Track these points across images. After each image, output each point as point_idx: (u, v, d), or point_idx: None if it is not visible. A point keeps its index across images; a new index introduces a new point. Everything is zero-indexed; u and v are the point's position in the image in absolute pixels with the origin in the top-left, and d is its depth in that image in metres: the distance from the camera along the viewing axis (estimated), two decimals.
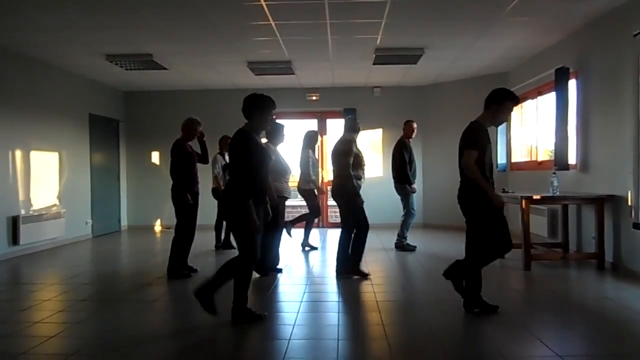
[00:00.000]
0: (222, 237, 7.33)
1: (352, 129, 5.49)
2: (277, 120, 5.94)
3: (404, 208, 6.99)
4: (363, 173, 5.45)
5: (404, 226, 6.98)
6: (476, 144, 3.74)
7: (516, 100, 3.89)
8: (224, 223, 7.07)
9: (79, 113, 8.64)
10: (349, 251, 5.28)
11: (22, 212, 7.06)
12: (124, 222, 10.14)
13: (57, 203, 7.92)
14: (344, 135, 5.51)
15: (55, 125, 7.91)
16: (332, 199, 9.81)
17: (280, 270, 5.58)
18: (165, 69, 7.98)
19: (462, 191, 3.88)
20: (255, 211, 3.59)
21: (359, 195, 5.27)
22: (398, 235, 7.04)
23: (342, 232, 5.36)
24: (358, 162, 5.35)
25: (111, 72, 8.17)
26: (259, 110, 3.70)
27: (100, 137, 9.28)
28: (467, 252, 3.98)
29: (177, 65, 7.93)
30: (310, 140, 7.01)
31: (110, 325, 3.85)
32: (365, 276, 5.23)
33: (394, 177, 7.04)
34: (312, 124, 10.00)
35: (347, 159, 5.26)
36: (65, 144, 8.18)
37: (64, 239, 7.97)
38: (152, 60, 7.37)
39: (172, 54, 7.24)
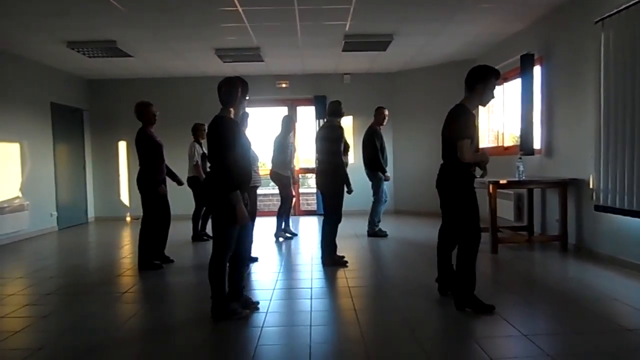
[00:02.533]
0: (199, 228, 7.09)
1: (336, 114, 5.37)
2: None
3: (373, 195, 7.03)
4: (347, 158, 5.41)
5: (374, 213, 7.04)
6: (468, 132, 3.56)
7: (499, 74, 3.76)
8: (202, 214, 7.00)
9: (40, 102, 8.35)
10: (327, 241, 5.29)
11: None
12: (91, 214, 9.92)
13: (20, 195, 7.68)
14: (328, 120, 5.41)
15: (15, 115, 7.64)
16: (312, 186, 9.73)
17: (255, 259, 5.55)
18: (130, 56, 7.77)
19: (443, 177, 3.75)
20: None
21: (349, 185, 5.30)
22: (369, 222, 7.09)
23: (326, 222, 5.31)
24: (344, 148, 5.32)
25: (73, 59, 7.91)
26: (237, 95, 3.58)
27: (63, 127, 9.01)
28: (458, 246, 3.74)
29: (142, 53, 7.73)
30: (289, 124, 6.84)
31: (78, 318, 3.79)
32: (345, 264, 5.28)
33: (365, 165, 7.06)
34: (282, 112, 9.95)
35: (339, 146, 5.18)
36: (26, 135, 7.91)
37: (27, 232, 7.74)
38: (115, 47, 7.16)
39: (137, 41, 7.05)
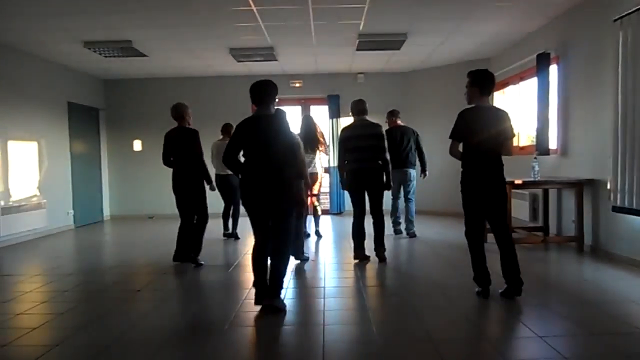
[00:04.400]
0: (230, 226, 7.16)
1: (366, 112, 5.42)
2: None
3: (412, 194, 6.94)
4: None
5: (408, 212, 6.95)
6: (452, 133, 3.91)
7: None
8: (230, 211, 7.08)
9: (57, 102, 8.47)
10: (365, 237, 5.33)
11: (2, 203, 6.94)
12: (107, 212, 10.04)
13: (38, 193, 7.80)
14: (361, 119, 5.35)
15: (33, 115, 7.75)
16: (325, 186, 9.61)
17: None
18: (145, 56, 7.85)
19: (498, 174, 3.88)
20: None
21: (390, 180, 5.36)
22: (411, 221, 6.93)
23: (380, 219, 5.29)
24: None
25: (90, 59, 8.01)
26: (274, 96, 3.81)
27: (80, 126, 9.12)
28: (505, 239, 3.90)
29: (157, 52, 7.80)
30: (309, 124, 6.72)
31: (94, 315, 3.83)
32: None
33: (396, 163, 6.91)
34: (295, 111, 9.97)
35: (385, 143, 5.22)
36: (44, 133, 8.02)
37: (45, 230, 7.86)
38: (131, 47, 7.24)
39: (152, 41, 7.12)
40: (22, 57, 7.49)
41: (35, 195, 7.73)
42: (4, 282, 5.16)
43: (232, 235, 7.09)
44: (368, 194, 5.30)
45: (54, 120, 8.36)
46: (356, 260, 5.32)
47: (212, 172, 6.08)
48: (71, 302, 4.20)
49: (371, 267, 5.24)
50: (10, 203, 7.12)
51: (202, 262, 5.35)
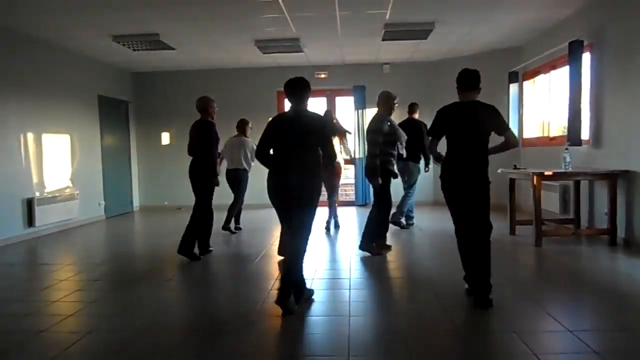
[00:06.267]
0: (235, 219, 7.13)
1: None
2: None
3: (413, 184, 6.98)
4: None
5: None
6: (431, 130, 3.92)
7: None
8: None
9: (88, 95, 8.66)
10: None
11: (37, 194, 7.15)
12: (136, 203, 10.25)
13: (70, 185, 8.01)
14: (382, 116, 5.32)
15: (65, 108, 7.95)
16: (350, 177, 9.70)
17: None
18: (172, 49, 7.94)
19: (478, 171, 3.66)
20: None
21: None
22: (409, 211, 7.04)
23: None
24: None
25: (119, 53, 8.15)
26: (309, 93, 3.89)
27: (110, 119, 9.32)
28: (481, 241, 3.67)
29: (184, 45, 7.88)
30: (329, 119, 6.76)
31: (125, 303, 3.94)
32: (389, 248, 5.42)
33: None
34: (321, 102, 9.95)
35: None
36: (75, 126, 8.22)
37: (78, 220, 8.08)
38: (159, 40, 7.33)
39: (179, 34, 7.20)
40: (55, 51, 7.67)
41: (68, 187, 7.94)
42: (40, 271, 5.35)
43: (228, 229, 6.90)
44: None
45: (85, 113, 8.55)
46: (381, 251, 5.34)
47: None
48: (103, 291, 4.32)
49: (396, 259, 5.22)
50: (45, 194, 7.34)
51: (200, 256, 5.36)
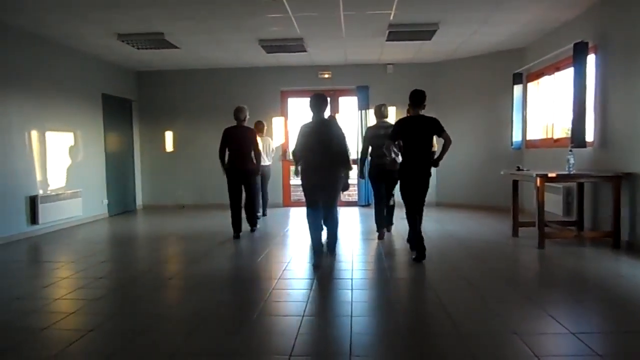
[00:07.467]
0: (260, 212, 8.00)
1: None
2: None
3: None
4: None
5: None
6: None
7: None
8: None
9: (92, 93, 8.68)
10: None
11: (40, 192, 7.18)
12: (139, 202, 10.27)
13: (74, 183, 8.03)
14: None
15: (69, 106, 7.97)
16: (353, 177, 9.83)
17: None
18: (176, 47, 7.95)
19: (423, 166, 5.03)
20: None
21: None
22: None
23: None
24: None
25: (123, 51, 8.17)
26: (327, 105, 5.07)
27: (113, 117, 9.34)
28: (419, 218, 5.09)
29: (188, 44, 7.90)
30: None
31: (127, 301, 3.95)
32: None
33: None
34: None
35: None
36: (79, 124, 8.25)
37: (81, 218, 8.11)
38: (163, 39, 7.34)
39: (183, 33, 7.21)
40: (59, 50, 7.70)
41: (71, 185, 7.96)
42: (44, 268, 5.36)
43: (257, 219, 7.24)
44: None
45: (89, 111, 8.57)
46: (380, 240, 6.08)
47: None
48: (105, 289, 4.33)
49: (399, 260, 5.22)
50: (49, 192, 7.36)
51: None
